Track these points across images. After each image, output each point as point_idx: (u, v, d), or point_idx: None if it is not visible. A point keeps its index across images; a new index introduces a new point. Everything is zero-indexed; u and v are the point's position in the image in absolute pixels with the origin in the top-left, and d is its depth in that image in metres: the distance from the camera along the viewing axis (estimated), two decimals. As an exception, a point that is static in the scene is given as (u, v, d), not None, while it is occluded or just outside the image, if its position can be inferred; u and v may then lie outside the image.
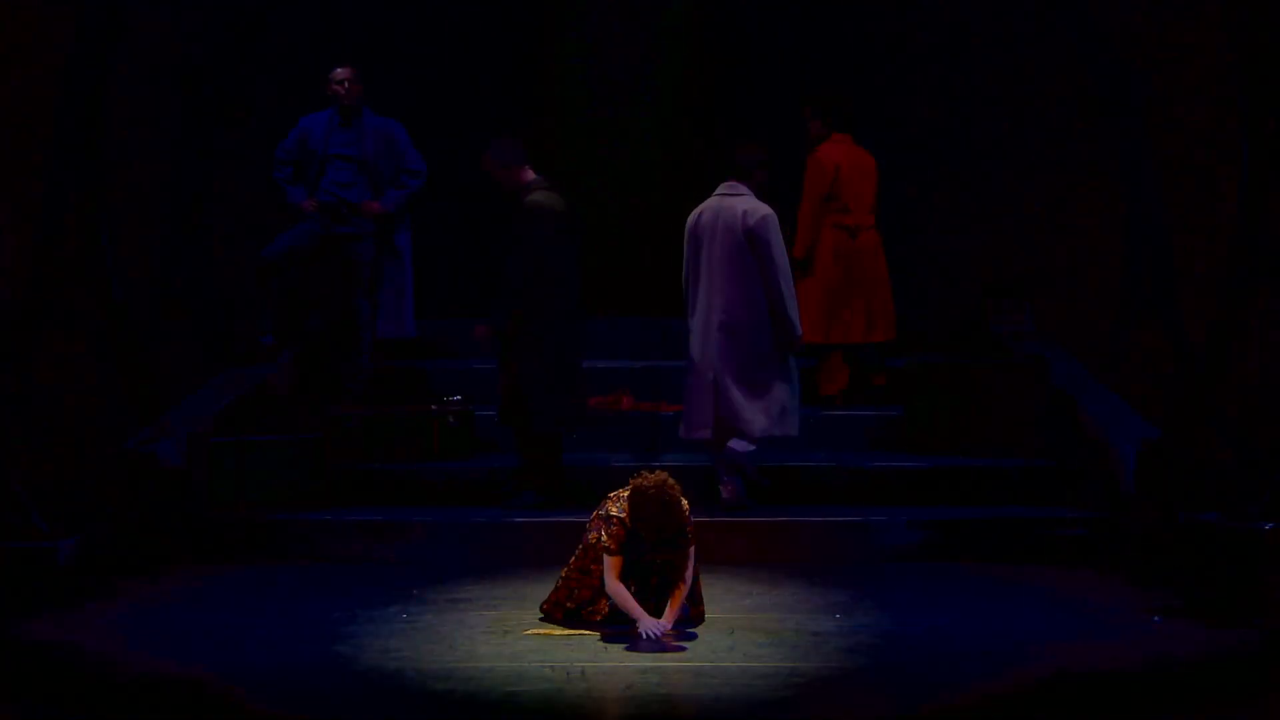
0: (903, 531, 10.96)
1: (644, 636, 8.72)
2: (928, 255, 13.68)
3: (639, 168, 14.39)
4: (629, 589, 8.89)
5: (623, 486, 8.98)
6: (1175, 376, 11.77)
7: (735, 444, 11.20)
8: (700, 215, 11.31)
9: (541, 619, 9.24)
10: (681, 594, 8.92)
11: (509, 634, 8.99)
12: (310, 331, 12.87)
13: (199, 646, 8.83)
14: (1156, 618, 9.35)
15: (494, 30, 14.35)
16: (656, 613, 8.86)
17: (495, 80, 14.34)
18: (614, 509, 8.92)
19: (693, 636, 8.93)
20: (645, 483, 8.76)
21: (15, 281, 11.42)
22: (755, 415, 11.12)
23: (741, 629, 9.09)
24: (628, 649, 8.71)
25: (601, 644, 8.76)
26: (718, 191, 11.32)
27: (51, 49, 11.58)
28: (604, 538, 8.90)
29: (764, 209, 11.16)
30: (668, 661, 8.46)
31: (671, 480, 8.80)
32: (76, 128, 11.68)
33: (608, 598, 8.97)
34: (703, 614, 9.25)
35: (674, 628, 8.85)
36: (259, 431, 11.56)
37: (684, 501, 8.89)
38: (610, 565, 8.85)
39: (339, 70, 12.49)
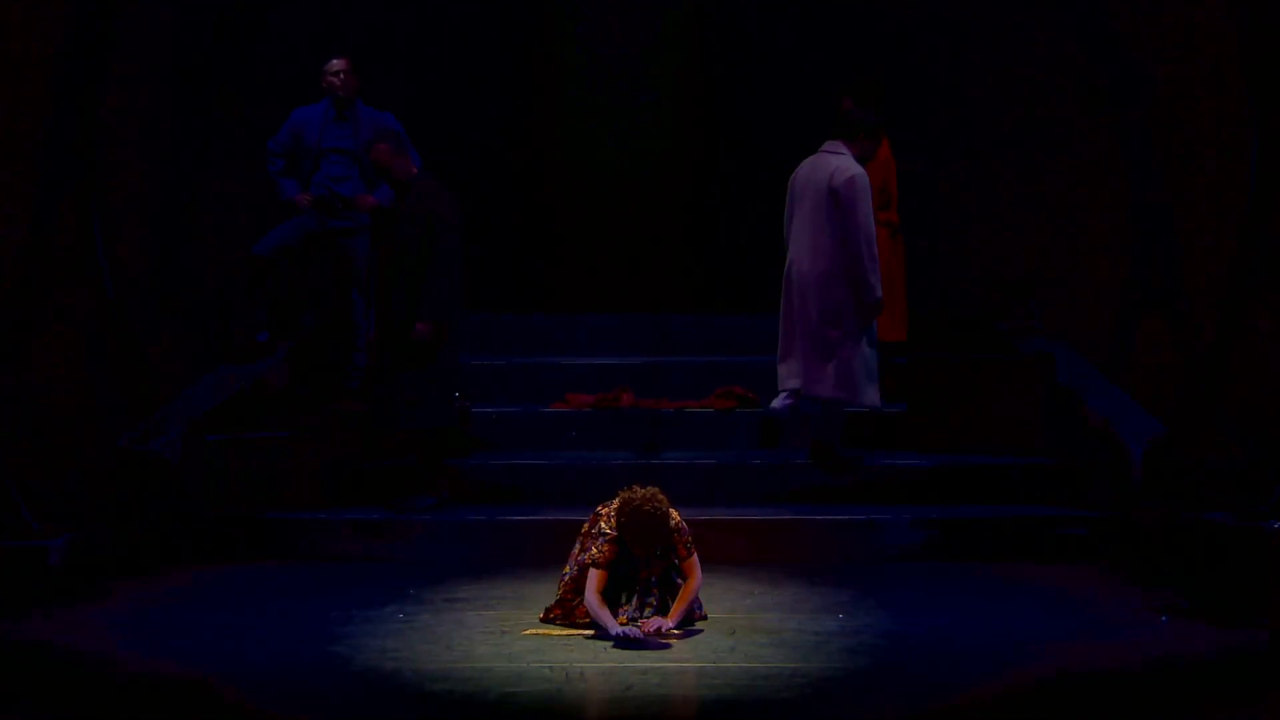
0: (906, 531, 10.94)
1: (620, 635, 8.71)
2: (932, 252, 13.63)
3: (639, 167, 14.36)
4: (628, 606, 8.92)
5: (614, 497, 8.99)
6: (1182, 373, 11.74)
7: (775, 401, 11.28)
8: (799, 170, 11.48)
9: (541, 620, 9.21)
10: (690, 595, 8.91)
11: (507, 634, 8.94)
12: (306, 328, 12.82)
13: (194, 646, 8.78)
14: (1163, 618, 9.31)
15: (494, 29, 14.33)
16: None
17: (495, 80, 14.30)
18: (605, 525, 8.92)
19: (685, 637, 8.90)
20: (634, 496, 8.77)
21: (9, 279, 11.40)
22: (821, 376, 11.20)
23: (743, 629, 9.05)
24: (612, 646, 8.68)
25: (601, 645, 8.71)
26: (821, 148, 11.41)
27: (45, 45, 11.53)
28: (594, 552, 8.90)
29: (854, 169, 11.23)
30: (669, 662, 8.41)
31: (661, 494, 8.80)
32: (71, 123, 11.68)
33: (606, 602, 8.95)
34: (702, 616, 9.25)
35: (678, 628, 8.86)
36: (255, 429, 11.53)
37: (674, 513, 8.89)
38: (595, 578, 8.86)
39: (334, 61, 12.44)
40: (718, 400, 12.33)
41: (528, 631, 8.98)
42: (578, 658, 8.46)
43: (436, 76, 14.09)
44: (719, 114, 14.35)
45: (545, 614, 9.17)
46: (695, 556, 8.97)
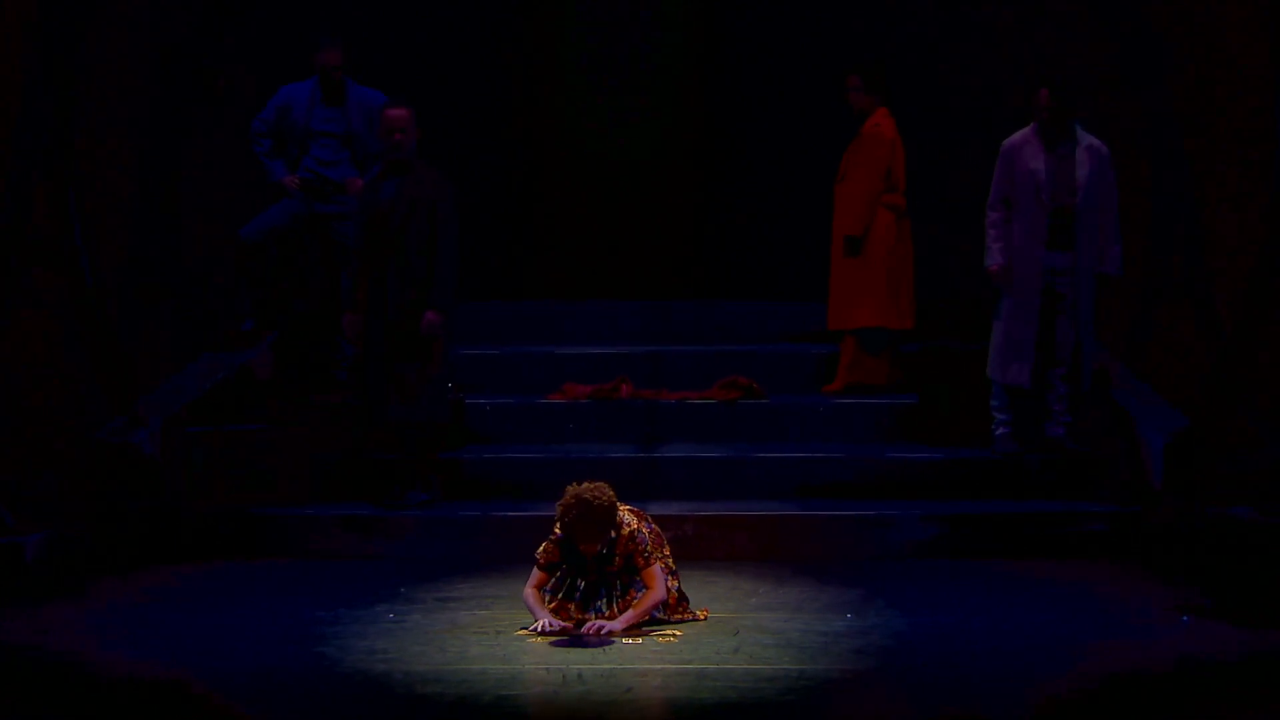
0: (917, 526, 10.85)
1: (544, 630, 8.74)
2: (944, 238, 13.46)
3: (639, 150, 14.26)
4: (602, 608, 8.88)
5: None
6: (1205, 364, 11.75)
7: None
8: None
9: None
10: (646, 605, 8.83)
11: (501, 634, 8.86)
12: (294, 316, 12.65)
13: (175, 647, 8.72)
14: (1184, 617, 9.18)
15: (493, 11, 14.20)
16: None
17: (490, 61, 14.21)
18: (557, 525, 8.92)
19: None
20: (579, 490, 8.74)
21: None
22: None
23: (747, 629, 8.97)
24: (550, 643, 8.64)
25: (600, 646, 8.62)
26: None
27: (21, 22, 11.46)
28: (539, 550, 8.93)
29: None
30: (670, 664, 8.33)
31: (608, 488, 8.75)
32: (46, 102, 11.71)
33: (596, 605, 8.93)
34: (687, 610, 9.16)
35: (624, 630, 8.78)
36: (239, 420, 11.46)
37: (632, 519, 8.85)
38: (532, 576, 8.94)
39: (332, 54, 12.30)
40: (720, 391, 12.21)
41: (523, 632, 8.87)
42: (575, 659, 8.37)
43: (428, 55, 13.95)
44: (721, 98, 14.28)
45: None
46: (657, 567, 8.90)
